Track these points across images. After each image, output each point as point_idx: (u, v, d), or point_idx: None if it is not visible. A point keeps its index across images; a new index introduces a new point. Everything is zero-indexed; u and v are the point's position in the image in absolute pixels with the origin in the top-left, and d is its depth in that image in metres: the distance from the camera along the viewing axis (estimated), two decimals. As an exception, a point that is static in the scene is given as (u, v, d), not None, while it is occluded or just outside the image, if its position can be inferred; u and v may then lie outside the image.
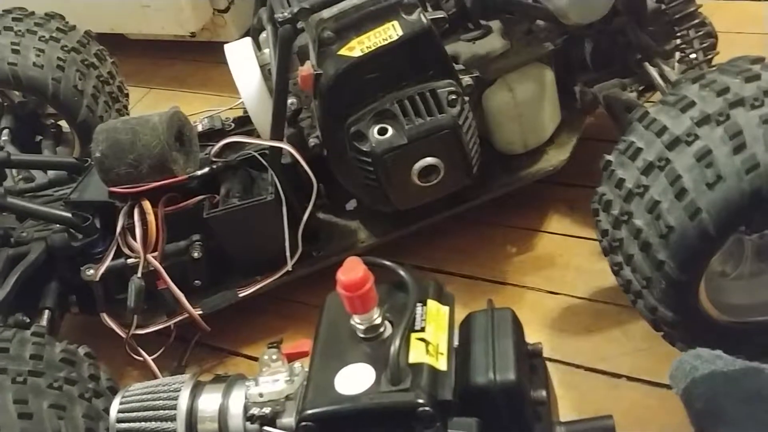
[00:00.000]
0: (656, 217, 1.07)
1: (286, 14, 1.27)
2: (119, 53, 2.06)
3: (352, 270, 0.93)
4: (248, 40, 1.52)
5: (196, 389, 1.10)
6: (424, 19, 1.30)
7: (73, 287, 1.52)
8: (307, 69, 1.31)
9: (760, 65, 1.11)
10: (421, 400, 0.89)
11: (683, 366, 1.05)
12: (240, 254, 1.47)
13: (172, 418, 1.08)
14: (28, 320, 1.42)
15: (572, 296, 1.46)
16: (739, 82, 1.08)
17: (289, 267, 1.44)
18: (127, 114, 2.00)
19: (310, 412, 0.93)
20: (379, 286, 0.96)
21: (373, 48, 1.29)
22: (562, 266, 1.52)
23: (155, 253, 1.43)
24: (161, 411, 1.09)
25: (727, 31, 1.60)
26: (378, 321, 0.97)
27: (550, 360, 1.33)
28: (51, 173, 1.70)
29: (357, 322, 0.97)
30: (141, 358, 1.47)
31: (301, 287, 1.54)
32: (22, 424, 1.05)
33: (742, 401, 0.99)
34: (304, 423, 0.93)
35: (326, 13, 1.31)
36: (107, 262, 1.44)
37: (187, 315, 1.46)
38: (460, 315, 1.04)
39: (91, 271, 1.45)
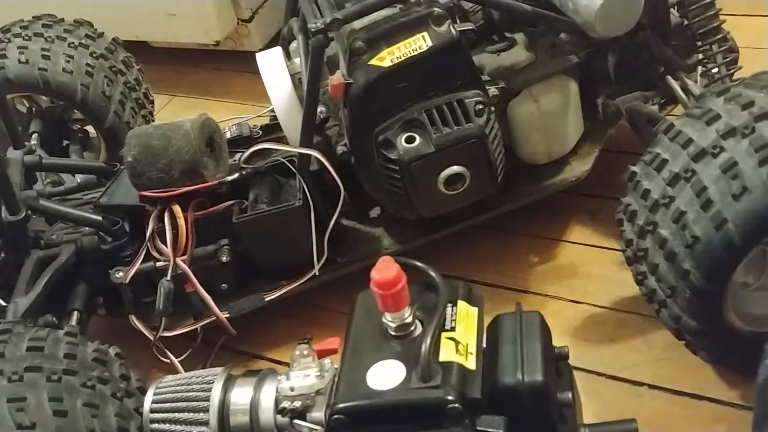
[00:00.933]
0: (682, 227, 1.09)
1: (319, 24, 1.30)
2: (143, 60, 2.09)
3: (386, 269, 0.96)
4: (279, 49, 1.54)
5: (229, 382, 1.13)
6: (453, 31, 1.33)
7: (101, 289, 1.54)
8: (337, 78, 1.34)
9: (784, 79, 1.14)
10: (450, 397, 0.92)
11: None
12: (267, 259, 1.50)
13: (205, 410, 1.11)
14: (56, 321, 1.45)
15: (594, 305, 1.48)
16: (763, 96, 1.10)
17: (315, 271, 1.46)
18: (153, 120, 2.03)
19: (341, 405, 0.95)
20: (410, 287, 0.98)
21: (403, 58, 1.32)
22: (584, 276, 1.54)
23: (184, 257, 1.45)
24: (194, 402, 1.12)
25: (747, 46, 1.62)
26: (409, 320, 1.00)
27: (574, 368, 1.34)
28: (80, 177, 1.72)
29: (389, 320, 1.00)
30: (168, 360, 1.49)
31: (325, 292, 1.56)
32: (57, 421, 1.07)
33: None
34: (335, 416, 0.95)
35: (357, 24, 1.34)
36: (137, 265, 1.47)
37: (214, 318, 1.48)
38: (484, 323, 1.06)
39: (121, 274, 1.47)
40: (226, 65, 2.46)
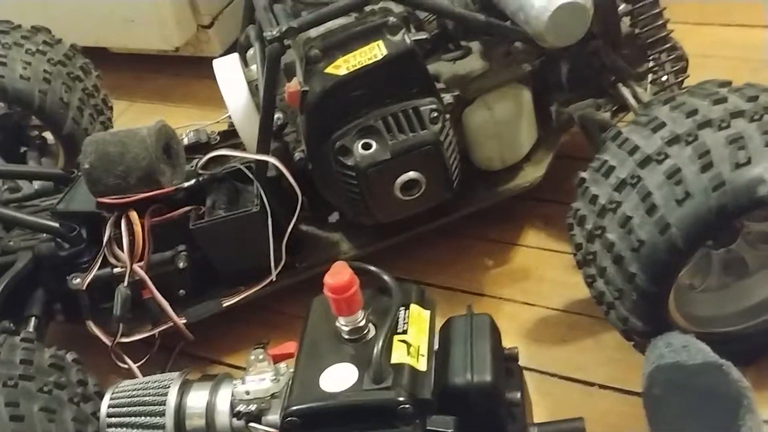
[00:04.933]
0: (628, 231, 1.12)
1: (274, 33, 1.31)
2: (102, 67, 2.08)
3: (339, 273, 0.98)
4: (236, 56, 1.56)
5: (185, 386, 1.15)
6: (407, 40, 1.35)
7: (59, 296, 1.53)
8: (294, 86, 1.36)
9: (727, 89, 1.17)
10: (401, 398, 0.94)
11: (654, 350, 1.10)
12: (224, 264, 1.51)
13: (162, 414, 1.13)
14: (14, 327, 1.44)
15: (548, 308, 1.51)
16: (707, 105, 1.14)
17: (273, 277, 1.47)
18: (111, 126, 2.02)
19: (295, 407, 0.98)
20: (363, 291, 1.01)
21: (359, 66, 1.33)
22: (538, 279, 1.57)
23: (141, 263, 1.45)
24: (151, 407, 1.14)
25: (697, 54, 1.66)
26: (362, 323, 1.02)
27: (526, 369, 1.35)
28: (37, 184, 1.72)
29: (342, 323, 1.02)
30: (126, 366, 1.48)
31: (284, 297, 1.57)
32: (13, 426, 1.08)
33: (690, 397, 1.05)
34: (289, 418, 0.97)
35: (313, 33, 1.36)
36: (94, 272, 1.47)
37: (171, 324, 1.48)
38: (438, 325, 1.09)
39: (78, 280, 1.47)
40: (186, 71, 2.46)
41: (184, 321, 1.49)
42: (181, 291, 1.51)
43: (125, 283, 1.45)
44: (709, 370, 1.05)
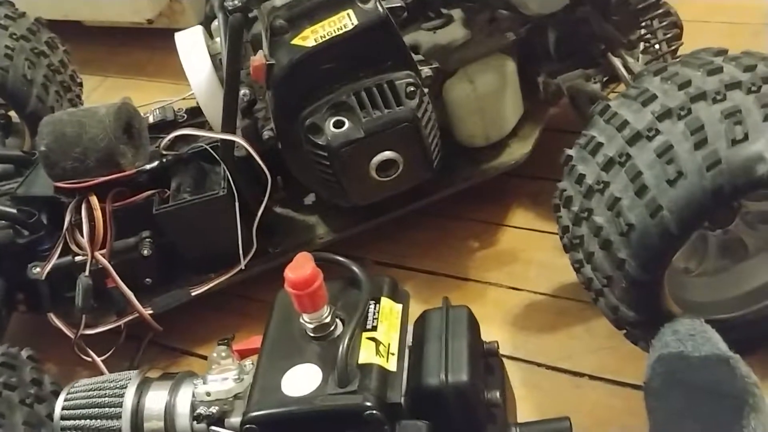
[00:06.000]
0: (616, 214, 1.04)
1: (236, 2, 1.23)
2: (74, 40, 1.99)
3: (301, 267, 0.92)
4: (199, 28, 1.47)
5: (143, 386, 1.09)
6: (380, 8, 1.26)
7: (20, 285, 1.46)
8: (259, 59, 1.27)
9: (722, 57, 1.09)
10: (368, 403, 0.88)
11: (661, 339, 1.03)
12: (192, 251, 1.43)
13: (118, 416, 1.07)
14: (-28, 320, 1.38)
15: (535, 293, 1.44)
16: (701, 75, 1.06)
17: (242, 265, 1.40)
18: (81, 104, 1.94)
19: (254, 414, 0.92)
20: (331, 283, 0.96)
21: (328, 38, 1.25)
22: (525, 262, 1.50)
23: (103, 251, 1.38)
24: (106, 408, 1.08)
25: (693, 20, 1.58)
26: (328, 320, 0.96)
27: (512, 358, 1.31)
28: (-2, 166, 1.64)
29: (306, 320, 0.96)
30: (90, 359, 1.42)
31: (258, 284, 1.49)
32: (-45, 433, 1.01)
33: (692, 391, 0.98)
34: (248, 425, 0.92)
35: (278, 1, 1.28)
36: (53, 260, 1.39)
37: (137, 314, 1.41)
38: (420, 311, 1.02)
39: (38, 269, 1.40)
40: (160, 44, 2.35)
41: (151, 311, 1.42)
42: (147, 279, 1.44)
43: (87, 272, 1.37)
44: (713, 363, 0.98)
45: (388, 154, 1.29)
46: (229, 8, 1.23)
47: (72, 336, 1.41)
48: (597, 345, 1.32)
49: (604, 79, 1.48)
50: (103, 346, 1.45)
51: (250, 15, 1.31)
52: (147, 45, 2.41)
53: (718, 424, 0.94)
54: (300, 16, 1.26)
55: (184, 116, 1.58)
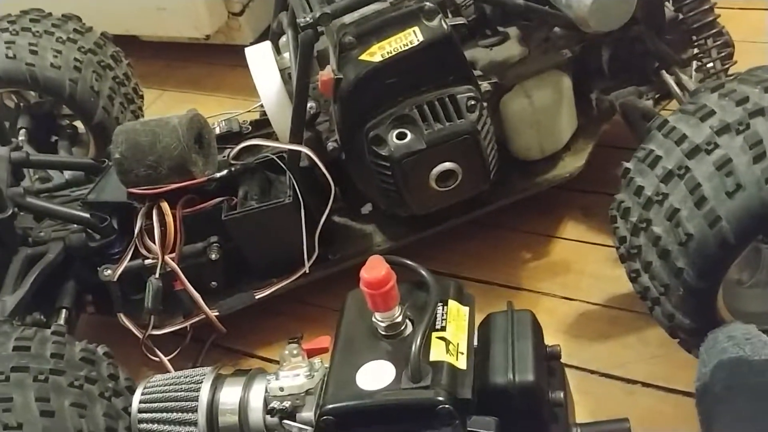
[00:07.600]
0: (675, 224, 1.08)
1: (308, 19, 1.28)
2: (133, 55, 2.07)
3: (375, 268, 0.95)
4: (268, 43, 1.53)
5: (217, 381, 1.13)
6: (444, 25, 1.31)
7: (90, 287, 1.52)
8: (327, 73, 1.32)
9: (779, 75, 1.12)
10: (441, 398, 0.91)
11: (716, 345, 1.05)
12: (257, 256, 1.48)
13: (194, 410, 1.11)
14: (45, 320, 1.43)
15: (588, 302, 1.47)
16: (759, 92, 1.09)
17: (306, 269, 1.45)
18: (142, 116, 2.01)
19: (330, 406, 0.95)
20: (400, 285, 0.98)
21: (394, 53, 1.30)
22: (577, 272, 1.53)
23: (173, 255, 1.44)
24: (183, 402, 1.12)
25: (742, 40, 1.60)
26: (399, 319, 0.99)
27: (566, 365, 1.33)
28: (68, 174, 1.71)
29: (378, 319, 0.99)
30: (157, 359, 1.47)
31: (316, 290, 1.55)
32: (44, 422, 1.06)
33: (755, 396, 0.99)
34: (324, 417, 0.95)
35: (347, 18, 1.32)
36: (125, 263, 1.45)
37: (203, 316, 1.47)
38: (477, 320, 1.05)
39: (109, 272, 1.46)
40: (217, 59, 2.44)
41: (216, 313, 1.47)
42: (213, 283, 1.49)
43: (157, 275, 1.43)
44: None
45: (448, 165, 1.33)
46: (301, 24, 1.28)
47: (140, 336, 1.46)
48: (649, 353, 1.35)
49: (657, 96, 1.51)
50: (168, 347, 1.50)
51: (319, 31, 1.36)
52: (203, 60, 2.49)
53: None
54: (368, 32, 1.31)
55: (248, 128, 1.64)
